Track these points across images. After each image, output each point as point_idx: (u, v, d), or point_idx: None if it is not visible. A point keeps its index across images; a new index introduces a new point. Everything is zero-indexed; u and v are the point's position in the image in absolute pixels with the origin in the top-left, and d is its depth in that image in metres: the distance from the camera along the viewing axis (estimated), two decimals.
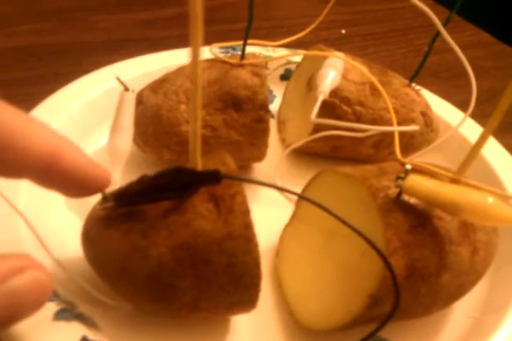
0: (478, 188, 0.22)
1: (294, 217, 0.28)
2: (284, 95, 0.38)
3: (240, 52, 0.30)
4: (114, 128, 0.27)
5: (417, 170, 0.24)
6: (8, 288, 0.14)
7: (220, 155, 0.23)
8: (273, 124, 0.38)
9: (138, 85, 0.30)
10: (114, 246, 0.20)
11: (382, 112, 0.31)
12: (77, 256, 0.24)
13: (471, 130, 0.36)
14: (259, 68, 0.30)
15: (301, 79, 0.36)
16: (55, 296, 0.22)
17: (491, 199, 0.20)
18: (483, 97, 0.48)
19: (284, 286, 0.26)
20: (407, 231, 0.21)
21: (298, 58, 0.38)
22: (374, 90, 0.32)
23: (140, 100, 0.29)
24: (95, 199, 0.23)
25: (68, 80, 0.33)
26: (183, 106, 0.28)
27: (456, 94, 0.42)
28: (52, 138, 0.17)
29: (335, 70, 0.30)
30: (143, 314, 0.24)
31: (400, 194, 0.22)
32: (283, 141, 0.36)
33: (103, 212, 0.21)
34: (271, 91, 0.40)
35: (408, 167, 0.21)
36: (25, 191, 0.27)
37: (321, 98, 0.28)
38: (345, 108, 0.31)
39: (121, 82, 0.27)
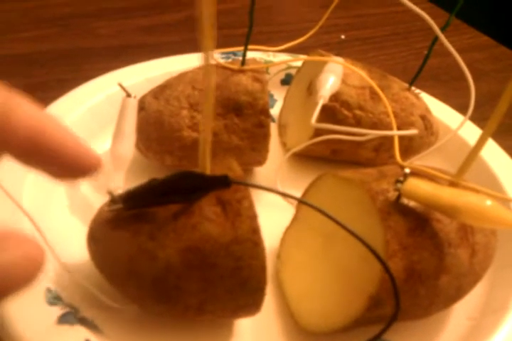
0: (476, 191, 0.22)
1: (294, 219, 0.28)
2: (285, 99, 0.38)
3: (240, 58, 0.31)
4: (117, 134, 0.27)
5: (416, 173, 0.24)
6: None
7: (226, 161, 0.23)
8: (274, 128, 0.38)
9: (140, 91, 0.30)
10: (122, 247, 0.21)
11: (381, 116, 0.32)
12: (82, 259, 0.24)
13: (471, 133, 0.36)
14: (259, 74, 0.30)
15: (301, 84, 0.36)
16: (58, 300, 0.23)
17: (488, 202, 0.20)
18: (482, 100, 0.48)
19: (285, 288, 0.27)
20: (406, 234, 0.21)
21: (298, 63, 0.38)
22: (374, 94, 0.32)
23: (142, 106, 0.30)
24: (100, 202, 0.24)
25: (71, 87, 0.34)
26: (184, 112, 0.29)
27: (455, 97, 0.42)
28: (37, 114, 0.16)
29: (334, 75, 0.31)
30: (147, 317, 0.24)
31: (399, 197, 0.22)
32: (284, 144, 0.37)
33: (111, 214, 0.21)
34: (272, 96, 0.41)
35: (407, 170, 0.21)
36: (28, 193, 0.27)
37: (321, 103, 0.29)
38: (346, 112, 0.31)
39: (124, 88, 0.27)
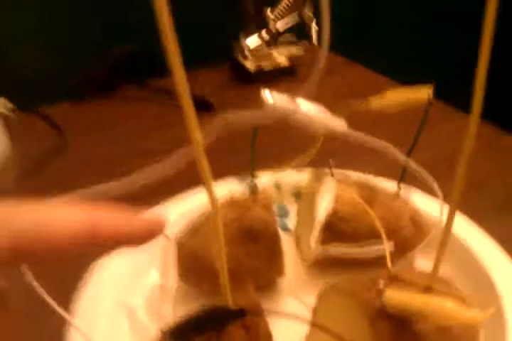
0: (444, 293, 0.28)
1: (312, 326, 0.34)
2: (298, 211, 0.46)
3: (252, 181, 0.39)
4: (163, 270, 0.35)
5: (400, 279, 0.30)
6: None
7: (245, 287, 0.30)
8: (288, 238, 0.45)
9: (177, 227, 0.39)
10: None
11: (374, 225, 0.38)
12: None
13: (459, 223, 0.41)
14: (268, 203, 0.38)
15: (308, 197, 0.43)
16: None
17: (449, 305, 0.26)
18: (478, 182, 0.54)
19: None
20: (392, 336, 0.27)
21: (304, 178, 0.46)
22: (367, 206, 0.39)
23: (180, 244, 0.37)
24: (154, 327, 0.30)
25: None
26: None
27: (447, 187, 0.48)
28: (83, 216, 0.19)
29: (328, 197, 0.38)
30: None
31: (383, 305, 0.28)
32: (300, 253, 0.43)
33: None
34: (284, 208, 0.48)
35: (381, 285, 0.27)
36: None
37: (318, 226, 0.36)
38: (344, 225, 0.38)
39: (165, 235, 0.35)
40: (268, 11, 0.74)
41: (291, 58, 0.79)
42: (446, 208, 0.29)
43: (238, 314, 0.26)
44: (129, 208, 0.20)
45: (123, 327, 0.36)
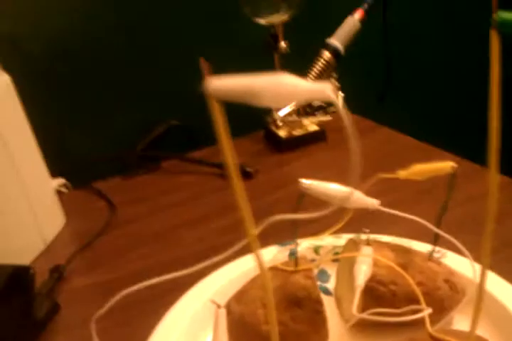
0: None
1: None
2: (337, 274, 0.48)
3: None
4: (214, 337, 0.38)
5: (439, 339, 0.32)
6: None
7: None
8: (331, 301, 0.47)
9: (226, 292, 0.42)
10: None
11: (412, 287, 0.41)
12: None
13: (493, 282, 0.43)
14: (309, 272, 0.41)
15: (347, 261, 0.46)
16: None
17: None
18: (508, 240, 0.55)
19: None
20: None
21: (342, 242, 0.49)
22: (402, 270, 0.41)
23: (229, 311, 0.40)
24: None
25: (172, 294, 0.46)
26: (260, 311, 0.39)
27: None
28: None
29: (367, 263, 0.41)
30: None
31: None
32: (342, 314, 0.45)
33: None
34: (326, 272, 0.51)
35: None
36: None
37: (358, 291, 0.38)
38: (382, 289, 0.41)
39: (215, 303, 0.38)
40: None
41: (321, 124, 0.84)
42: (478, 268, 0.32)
43: None
44: None
45: None
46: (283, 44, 0.80)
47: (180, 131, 0.91)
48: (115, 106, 0.87)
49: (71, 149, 0.83)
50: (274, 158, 0.79)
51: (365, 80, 1.09)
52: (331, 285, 0.49)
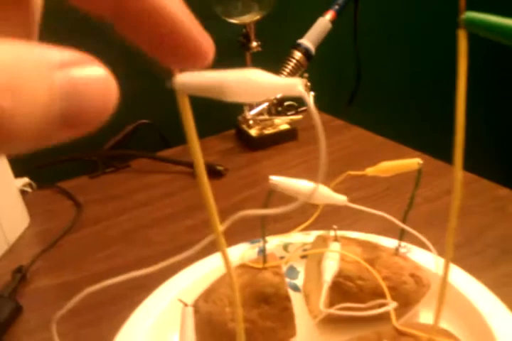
0: None
1: None
2: (305, 271, 0.48)
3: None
4: (182, 335, 0.37)
5: (403, 333, 0.32)
6: (69, 75, 0.12)
7: None
8: (301, 297, 0.47)
9: (193, 292, 0.41)
10: None
11: (378, 281, 0.41)
12: None
13: (456, 275, 0.44)
14: (278, 268, 0.41)
15: (315, 258, 0.46)
16: None
17: None
18: (472, 236, 0.56)
19: None
20: None
21: (312, 238, 0.49)
22: (369, 265, 0.41)
23: (196, 310, 0.40)
24: None
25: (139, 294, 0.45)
26: (227, 309, 0.39)
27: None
28: None
29: (334, 259, 0.41)
30: None
31: None
32: (310, 311, 0.45)
33: None
34: (295, 269, 0.51)
35: None
36: None
37: (325, 287, 0.38)
38: (349, 284, 0.41)
39: (182, 301, 0.38)
40: None
41: (292, 123, 0.84)
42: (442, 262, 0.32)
43: None
44: None
45: None
46: (254, 43, 0.80)
47: (151, 130, 0.89)
48: None
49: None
50: (245, 157, 0.79)
51: (336, 80, 1.10)
52: (300, 281, 0.49)
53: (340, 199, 0.39)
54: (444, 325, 0.38)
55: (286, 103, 0.85)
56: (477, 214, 0.59)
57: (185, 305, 0.38)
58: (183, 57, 0.16)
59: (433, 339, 0.31)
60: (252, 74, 0.16)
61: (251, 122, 0.83)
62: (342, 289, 0.41)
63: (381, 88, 1.19)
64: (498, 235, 0.55)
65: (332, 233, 0.44)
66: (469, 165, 0.67)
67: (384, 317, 0.37)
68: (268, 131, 0.82)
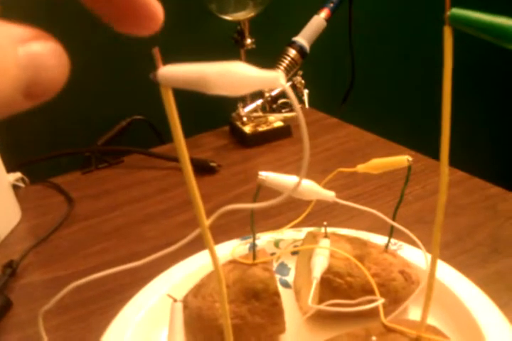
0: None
1: None
2: (296, 268, 0.48)
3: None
4: (170, 331, 0.37)
5: (391, 329, 0.32)
6: (30, 49, 0.13)
7: None
8: (289, 293, 0.47)
9: (183, 287, 0.41)
10: None
11: (368, 278, 0.41)
12: None
13: (446, 273, 0.44)
14: (268, 264, 0.41)
15: (306, 254, 0.46)
16: None
17: None
18: (463, 234, 0.56)
19: None
20: None
21: (303, 235, 0.49)
22: (359, 262, 0.42)
23: (185, 305, 0.40)
24: None
25: (130, 289, 0.45)
26: (217, 305, 0.39)
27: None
28: None
29: (324, 255, 0.41)
30: None
31: None
32: (300, 307, 0.45)
33: None
34: (285, 266, 0.51)
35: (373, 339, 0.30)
36: None
37: (315, 283, 0.38)
38: (339, 280, 0.41)
39: (171, 297, 0.38)
40: None
41: (286, 120, 0.84)
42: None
43: None
44: None
45: None
46: (249, 40, 0.80)
47: (145, 126, 0.89)
48: (76, 99, 0.85)
49: (29, 143, 0.80)
50: (239, 154, 0.79)
51: (331, 78, 1.10)
52: (290, 278, 0.49)
53: (329, 195, 0.39)
54: (432, 321, 0.38)
55: (280, 101, 0.85)
56: (468, 213, 0.59)
57: (175, 300, 0.38)
58: (134, 20, 0.17)
59: (421, 336, 0.31)
60: (234, 67, 0.16)
61: (245, 119, 0.83)
62: (331, 285, 0.41)
63: (375, 86, 1.19)
64: (488, 233, 0.55)
65: (322, 229, 0.44)
66: (461, 164, 0.68)
67: (373, 314, 0.37)
68: (262, 128, 0.82)
